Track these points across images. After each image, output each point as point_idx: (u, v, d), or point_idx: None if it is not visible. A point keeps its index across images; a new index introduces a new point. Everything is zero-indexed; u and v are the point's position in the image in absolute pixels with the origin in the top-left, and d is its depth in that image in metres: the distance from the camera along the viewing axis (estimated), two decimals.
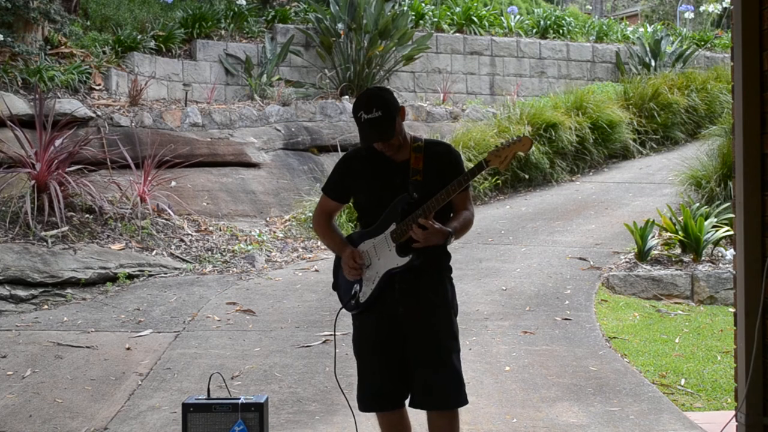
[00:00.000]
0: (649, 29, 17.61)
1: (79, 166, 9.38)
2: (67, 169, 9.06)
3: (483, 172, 3.65)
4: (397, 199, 3.67)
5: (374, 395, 3.81)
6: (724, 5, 18.62)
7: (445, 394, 3.70)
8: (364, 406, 3.87)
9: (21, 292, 7.93)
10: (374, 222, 3.75)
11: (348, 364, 6.14)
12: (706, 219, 8.76)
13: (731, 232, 8.01)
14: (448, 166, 3.73)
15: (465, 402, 3.76)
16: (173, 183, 10.13)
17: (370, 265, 3.74)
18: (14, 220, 8.59)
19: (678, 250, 8.86)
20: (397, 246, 3.66)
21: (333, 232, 3.93)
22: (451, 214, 3.75)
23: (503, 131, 11.89)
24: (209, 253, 9.29)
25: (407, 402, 3.84)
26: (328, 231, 3.93)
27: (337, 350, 6.40)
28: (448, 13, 15.77)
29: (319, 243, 9.96)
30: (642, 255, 8.67)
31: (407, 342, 3.73)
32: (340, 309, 3.88)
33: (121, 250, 8.72)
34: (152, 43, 12.54)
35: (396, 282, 3.69)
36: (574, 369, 6.02)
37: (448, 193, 3.56)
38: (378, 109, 3.59)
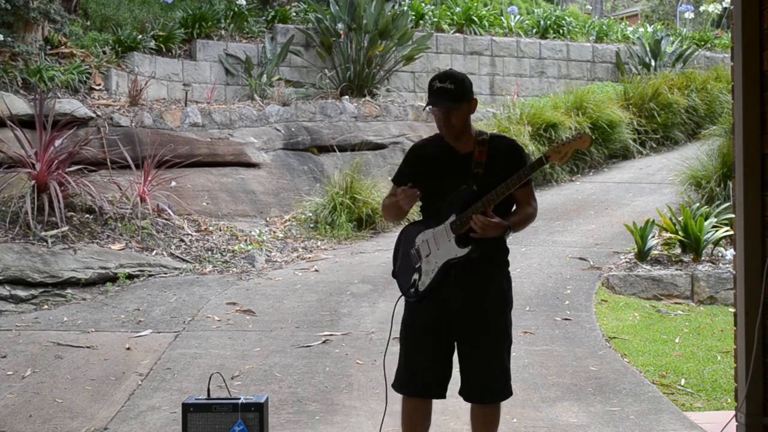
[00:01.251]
0: (649, 29, 17.60)
1: (79, 166, 9.38)
2: (67, 169, 9.06)
3: (540, 168, 3.72)
4: (458, 190, 3.73)
5: (421, 380, 3.84)
6: (724, 5, 18.62)
7: (490, 390, 3.81)
8: (406, 389, 3.89)
9: (21, 292, 7.93)
10: (435, 212, 3.82)
11: (348, 364, 6.16)
12: (706, 219, 8.76)
13: (731, 232, 8.01)
14: (511, 161, 3.76)
15: (509, 394, 3.86)
16: (173, 183, 10.13)
17: (429, 255, 3.79)
18: (14, 220, 8.59)
19: (678, 250, 8.86)
20: (456, 237, 3.71)
21: (391, 203, 3.95)
22: (514, 208, 3.83)
23: (503, 131, 11.89)
24: (209, 253, 9.29)
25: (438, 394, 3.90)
26: (388, 204, 3.97)
27: (337, 350, 6.44)
28: (448, 13, 15.77)
29: (319, 243, 9.97)
30: (642, 255, 8.67)
31: (459, 334, 3.80)
32: (399, 297, 3.93)
33: (121, 250, 8.72)
34: (152, 43, 12.54)
35: (453, 273, 3.74)
36: (574, 369, 6.02)
37: (507, 186, 3.61)
38: (452, 83, 3.71)
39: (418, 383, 3.86)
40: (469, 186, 3.71)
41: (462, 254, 3.70)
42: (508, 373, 3.85)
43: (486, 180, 3.70)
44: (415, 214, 4.46)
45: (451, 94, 3.70)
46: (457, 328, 3.80)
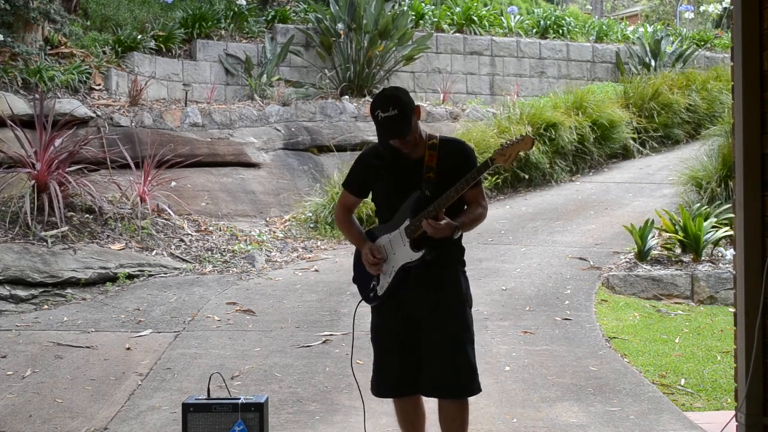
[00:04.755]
0: (649, 29, 17.61)
1: (79, 166, 9.37)
2: (67, 169, 9.05)
3: (487, 171, 3.82)
4: (411, 196, 3.81)
5: (391, 382, 3.96)
6: (724, 5, 18.62)
7: (455, 384, 3.85)
8: (380, 391, 4.04)
9: (21, 292, 7.93)
10: (390, 217, 3.92)
11: (348, 364, 6.14)
12: (705, 219, 8.76)
13: (731, 232, 8.01)
14: (461, 164, 3.83)
15: (477, 390, 3.92)
16: (173, 183, 10.13)
17: (387, 260, 3.91)
18: (14, 220, 8.59)
19: (678, 250, 8.85)
20: (410, 241, 3.81)
21: (352, 227, 4.10)
22: (465, 207, 3.90)
23: (503, 131, 11.89)
24: (209, 253, 9.29)
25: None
26: (347, 225, 4.11)
27: (337, 350, 6.43)
28: (448, 13, 15.77)
29: (318, 243, 9.97)
30: (642, 255, 8.67)
31: (422, 332, 3.88)
32: (360, 301, 4.06)
33: (121, 250, 8.72)
34: (152, 43, 12.54)
35: (411, 275, 3.84)
36: (574, 369, 6.02)
37: (457, 190, 3.70)
38: (394, 108, 3.73)
39: (387, 385, 3.99)
40: (422, 191, 3.80)
41: (416, 258, 3.81)
42: (474, 368, 3.90)
43: (438, 184, 3.78)
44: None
45: (398, 120, 3.74)
46: (419, 328, 3.88)
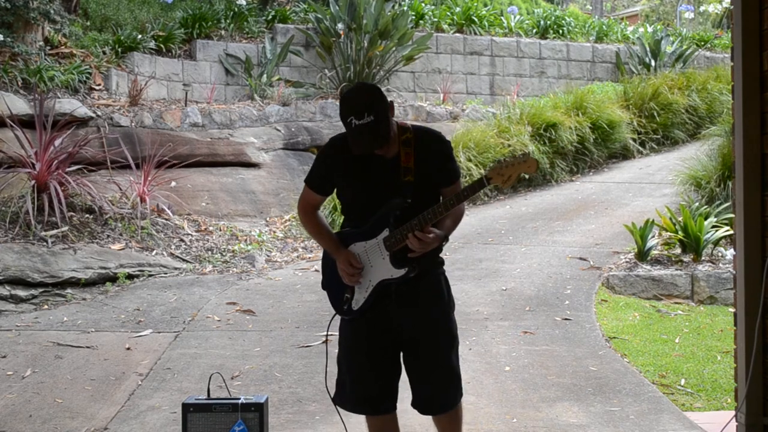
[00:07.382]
0: (649, 29, 17.62)
1: (79, 166, 9.38)
2: (67, 169, 9.06)
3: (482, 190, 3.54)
4: (391, 203, 3.44)
5: (365, 399, 3.66)
6: (724, 5, 18.63)
7: (444, 399, 3.65)
8: (347, 403, 3.71)
9: (21, 292, 7.93)
10: (362, 221, 3.53)
11: None
12: (706, 219, 8.76)
13: (731, 232, 8.01)
14: (440, 163, 3.51)
15: (461, 396, 3.69)
16: (173, 183, 10.14)
17: (362, 271, 3.54)
18: (14, 220, 8.59)
19: (678, 250, 8.85)
20: (391, 255, 3.46)
21: (321, 226, 3.67)
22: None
23: (503, 131, 11.89)
24: (209, 253, 9.29)
25: (398, 405, 3.77)
26: (313, 224, 3.68)
27: (337, 350, 6.43)
28: (448, 13, 15.78)
29: None
30: (642, 255, 8.67)
31: (404, 348, 3.63)
32: (334, 315, 3.72)
33: (121, 250, 8.72)
34: (152, 43, 12.55)
35: (392, 290, 3.52)
36: (574, 369, 6.02)
37: (446, 206, 3.38)
38: (370, 114, 3.30)
39: (366, 400, 3.65)
40: (403, 199, 3.41)
41: (399, 275, 3.45)
42: (458, 377, 3.65)
43: (418, 187, 3.43)
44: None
45: (377, 127, 3.32)
46: (401, 339, 3.60)
